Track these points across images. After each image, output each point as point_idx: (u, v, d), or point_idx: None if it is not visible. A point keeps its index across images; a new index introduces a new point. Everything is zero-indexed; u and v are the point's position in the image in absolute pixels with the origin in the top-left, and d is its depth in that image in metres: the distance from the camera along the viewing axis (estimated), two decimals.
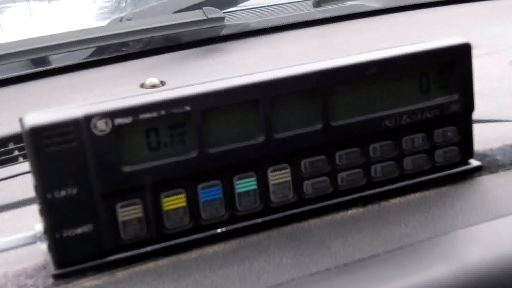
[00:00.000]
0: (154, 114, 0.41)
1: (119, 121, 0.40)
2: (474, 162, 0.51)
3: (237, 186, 0.44)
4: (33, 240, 0.43)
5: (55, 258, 0.41)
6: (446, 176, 0.49)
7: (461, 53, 0.48)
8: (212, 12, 1.00)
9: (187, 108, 0.42)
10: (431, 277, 0.39)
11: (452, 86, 0.48)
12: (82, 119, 0.39)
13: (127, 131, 0.41)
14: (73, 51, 0.96)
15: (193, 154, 0.42)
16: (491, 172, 0.51)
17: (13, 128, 0.68)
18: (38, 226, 0.42)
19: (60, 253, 0.41)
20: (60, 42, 0.93)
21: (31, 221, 0.44)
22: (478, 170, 0.51)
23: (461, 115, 0.49)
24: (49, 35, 0.94)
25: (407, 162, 0.48)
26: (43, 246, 0.42)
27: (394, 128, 0.47)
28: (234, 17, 1.13)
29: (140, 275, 0.41)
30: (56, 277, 0.41)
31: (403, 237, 0.43)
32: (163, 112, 0.41)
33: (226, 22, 1.03)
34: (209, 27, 1.00)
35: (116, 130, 0.40)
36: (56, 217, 0.40)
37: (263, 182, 0.45)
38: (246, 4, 1.16)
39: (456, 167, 0.50)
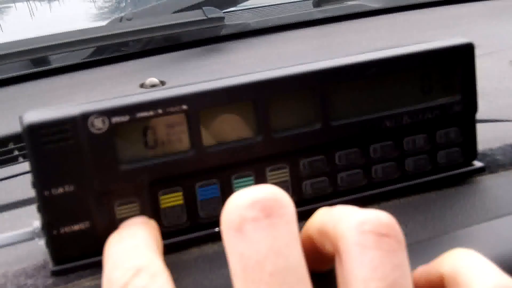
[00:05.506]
0: (151, 113, 0.41)
1: (116, 119, 0.40)
2: (477, 163, 0.50)
3: (235, 185, 0.44)
4: (31, 236, 0.42)
5: (53, 254, 0.41)
6: (448, 177, 0.49)
7: (464, 54, 0.47)
8: (212, 12, 1.00)
9: (185, 107, 0.41)
10: None
11: (455, 86, 0.48)
12: (79, 117, 0.39)
13: (124, 129, 0.41)
14: (73, 51, 0.96)
15: (191, 152, 0.42)
16: (491, 172, 0.50)
17: (13, 128, 0.68)
18: (36, 222, 0.42)
19: (58, 249, 0.41)
20: (60, 42, 0.94)
21: (31, 221, 0.44)
22: (481, 172, 0.50)
23: (463, 116, 0.49)
24: (49, 35, 0.94)
25: (409, 163, 0.48)
26: (41, 242, 0.42)
27: (395, 129, 0.47)
28: (234, 17, 1.13)
29: None
30: (54, 273, 0.41)
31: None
32: (160, 111, 0.41)
33: (226, 22, 1.03)
34: (209, 27, 1.00)
35: (113, 128, 0.40)
36: (53, 214, 0.40)
37: (261, 182, 0.45)
38: (246, 4, 1.16)
39: (459, 168, 0.50)
